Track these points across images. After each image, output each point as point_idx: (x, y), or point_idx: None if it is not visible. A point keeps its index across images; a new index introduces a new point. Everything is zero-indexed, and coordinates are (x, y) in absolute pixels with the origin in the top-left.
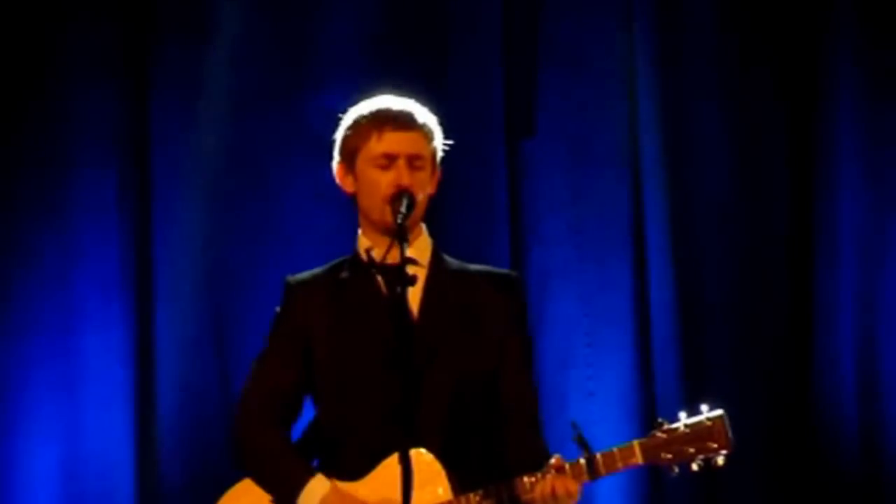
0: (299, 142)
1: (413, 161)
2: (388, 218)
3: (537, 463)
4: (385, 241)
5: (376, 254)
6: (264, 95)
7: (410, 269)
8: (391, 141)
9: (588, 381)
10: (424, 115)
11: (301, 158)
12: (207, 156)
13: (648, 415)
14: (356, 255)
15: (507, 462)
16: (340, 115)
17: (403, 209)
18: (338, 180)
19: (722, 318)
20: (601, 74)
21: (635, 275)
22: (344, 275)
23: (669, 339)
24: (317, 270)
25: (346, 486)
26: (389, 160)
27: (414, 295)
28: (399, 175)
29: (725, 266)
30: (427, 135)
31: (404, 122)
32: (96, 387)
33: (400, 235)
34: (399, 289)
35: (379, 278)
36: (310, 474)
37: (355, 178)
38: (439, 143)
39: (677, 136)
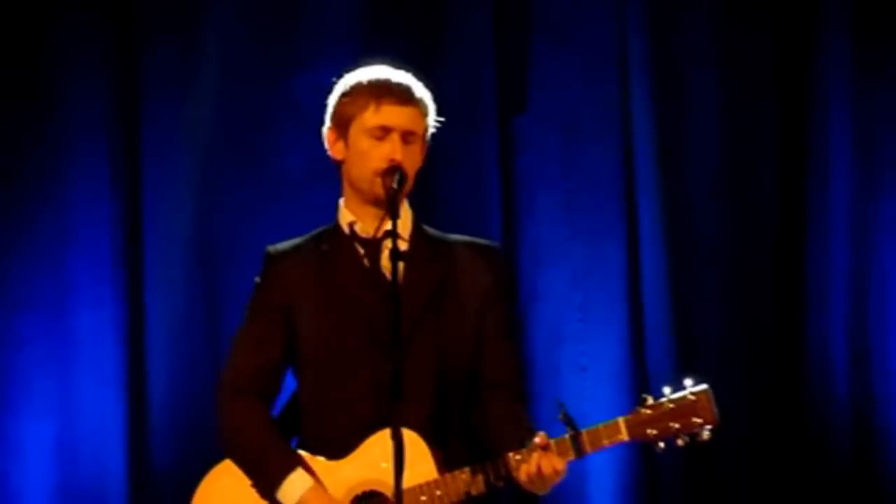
0: (291, 118)
1: (407, 136)
2: (378, 190)
3: (521, 433)
4: (370, 211)
5: (360, 228)
6: (255, 72)
7: (390, 241)
8: (389, 114)
9: (580, 356)
10: (421, 90)
11: (292, 135)
12: (198, 133)
13: (640, 389)
14: (337, 226)
15: (491, 433)
16: (335, 79)
17: (395, 185)
18: (327, 145)
19: (714, 295)
20: (593, 50)
21: (627, 250)
22: (325, 247)
23: (661, 314)
24: (298, 241)
25: (328, 465)
26: (385, 132)
27: (387, 264)
28: (393, 149)
29: (718, 242)
30: (423, 110)
31: (403, 95)
32: (88, 364)
33: (392, 211)
34: (389, 264)
35: (361, 251)
36: (291, 467)
37: (346, 146)
38: (432, 119)
39: (669, 112)
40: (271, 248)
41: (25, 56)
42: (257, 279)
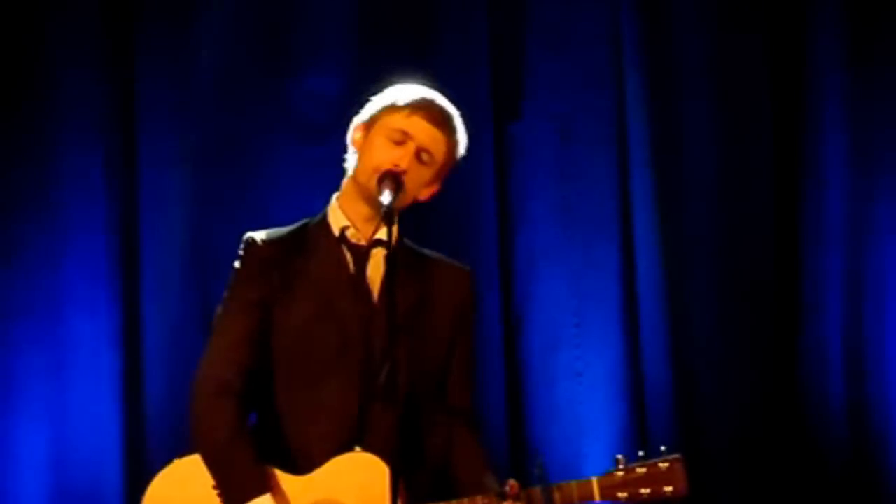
0: (286, 125)
1: (423, 153)
2: (372, 186)
3: (484, 473)
4: (363, 213)
5: (351, 233)
6: (251, 79)
7: (378, 251)
8: (416, 125)
9: (576, 361)
10: (460, 128)
11: (288, 141)
12: (194, 139)
13: (636, 395)
14: (326, 225)
15: (455, 466)
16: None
17: (392, 192)
18: (352, 133)
19: (710, 299)
20: (587, 55)
21: (623, 255)
22: (311, 245)
23: (657, 319)
24: (281, 232)
25: (288, 479)
26: (404, 138)
27: (375, 277)
28: (403, 156)
29: (713, 246)
30: (450, 141)
31: (438, 118)
32: (84, 371)
33: (388, 220)
34: (374, 274)
35: (348, 256)
36: (259, 490)
37: (365, 138)
38: (457, 156)
39: (664, 117)
40: (254, 236)
41: (22, 62)
42: (237, 265)
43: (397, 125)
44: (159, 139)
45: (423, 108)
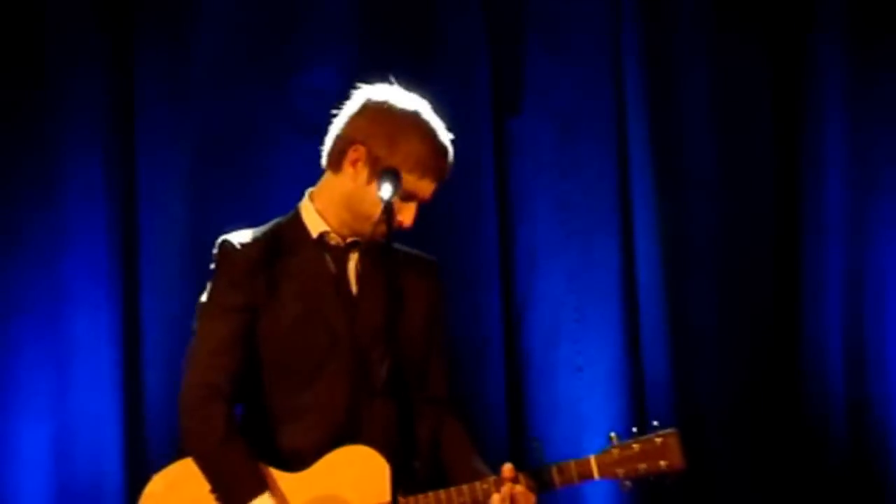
0: (286, 123)
1: (422, 203)
2: (367, 231)
3: (476, 460)
4: (346, 231)
5: (331, 237)
6: (251, 77)
7: (355, 251)
8: (425, 187)
9: (576, 356)
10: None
11: (288, 139)
12: (193, 138)
13: (636, 390)
14: (301, 226)
15: (448, 454)
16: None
17: (391, 188)
18: (351, 157)
19: (710, 295)
20: (587, 51)
21: (622, 251)
22: (289, 246)
23: (657, 314)
24: (256, 234)
25: (283, 477)
26: (410, 198)
27: (353, 276)
28: (406, 215)
29: (713, 242)
30: (440, 186)
31: (443, 173)
32: (84, 368)
33: (387, 215)
34: (353, 275)
35: (327, 257)
36: (259, 490)
37: (368, 181)
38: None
39: (664, 113)
40: (231, 240)
41: (21, 61)
42: (216, 269)
43: (408, 187)
44: (159, 138)
45: (434, 165)
